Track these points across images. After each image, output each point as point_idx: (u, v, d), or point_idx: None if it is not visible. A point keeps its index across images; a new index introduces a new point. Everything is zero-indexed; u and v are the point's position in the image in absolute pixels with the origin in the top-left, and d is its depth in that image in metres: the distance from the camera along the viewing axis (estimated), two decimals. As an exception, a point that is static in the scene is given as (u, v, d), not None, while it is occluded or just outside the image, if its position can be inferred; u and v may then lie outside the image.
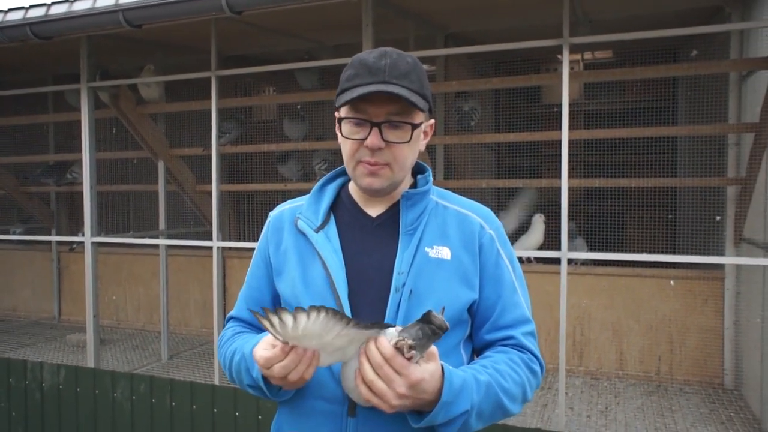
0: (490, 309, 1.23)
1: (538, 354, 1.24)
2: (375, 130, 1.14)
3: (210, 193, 5.26)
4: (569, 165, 5.40)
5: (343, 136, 1.19)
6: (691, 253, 4.03)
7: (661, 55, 4.58)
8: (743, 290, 3.94)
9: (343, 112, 1.19)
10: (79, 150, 5.27)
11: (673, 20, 4.23)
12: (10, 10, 3.63)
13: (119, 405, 4.30)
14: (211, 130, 3.90)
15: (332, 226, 1.24)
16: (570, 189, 3.85)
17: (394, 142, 1.16)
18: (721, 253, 3.91)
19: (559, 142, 5.17)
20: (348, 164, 1.22)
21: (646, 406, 3.80)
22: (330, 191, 1.30)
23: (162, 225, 5.00)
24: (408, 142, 1.17)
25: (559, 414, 3.25)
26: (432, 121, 1.27)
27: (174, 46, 4.66)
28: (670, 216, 4.20)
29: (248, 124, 5.37)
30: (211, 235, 5.39)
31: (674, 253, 4.58)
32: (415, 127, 1.17)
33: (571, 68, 6.32)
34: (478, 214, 1.26)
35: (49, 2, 3.49)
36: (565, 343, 3.12)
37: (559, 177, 3.01)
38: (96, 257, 4.36)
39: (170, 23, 3.36)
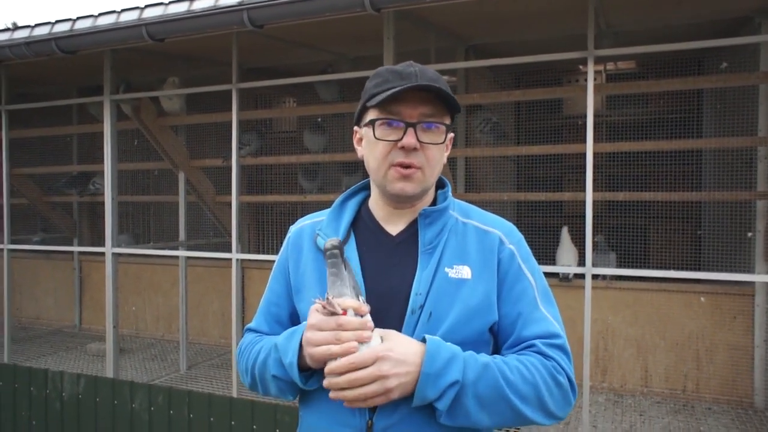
0: (511, 326, 1.18)
1: (567, 367, 1.15)
2: (410, 130, 1.13)
3: (229, 204, 5.29)
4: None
5: (375, 138, 1.15)
6: (718, 269, 3.92)
7: (686, 66, 4.49)
8: (774, 307, 3.83)
9: (372, 115, 1.17)
10: (102, 161, 5.35)
11: (699, 31, 4.15)
12: (36, 25, 3.69)
13: (137, 416, 4.30)
14: (229, 141, 3.91)
15: (352, 245, 1.21)
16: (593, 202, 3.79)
17: (429, 143, 1.14)
18: (751, 269, 3.81)
19: (581, 155, 5.11)
20: (378, 170, 1.17)
21: (672, 426, 3.69)
22: (350, 207, 1.27)
23: (182, 236, 5.02)
24: (442, 143, 1.17)
25: (583, 433, 3.18)
26: (452, 134, 1.24)
27: (196, 59, 4.69)
28: (699, 231, 4.10)
29: (268, 135, 5.38)
30: (231, 247, 5.41)
31: (699, 268, 4.47)
32: (448, 129, 1.18)
33: (594, 79, 6.28)
34: (499, 229, 1.22)
35: (74, 17, 3.54)
36: (589, 358, 3.04)
37: (583, 190, 2.94)
38: (116, 267, 4.38)
39: (192, 37, 3.37)
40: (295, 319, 1.28)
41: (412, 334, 1.12)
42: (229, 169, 5.42)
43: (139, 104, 4.35)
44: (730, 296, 3.99)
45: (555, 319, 1.20)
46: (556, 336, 1.17)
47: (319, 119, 4.57)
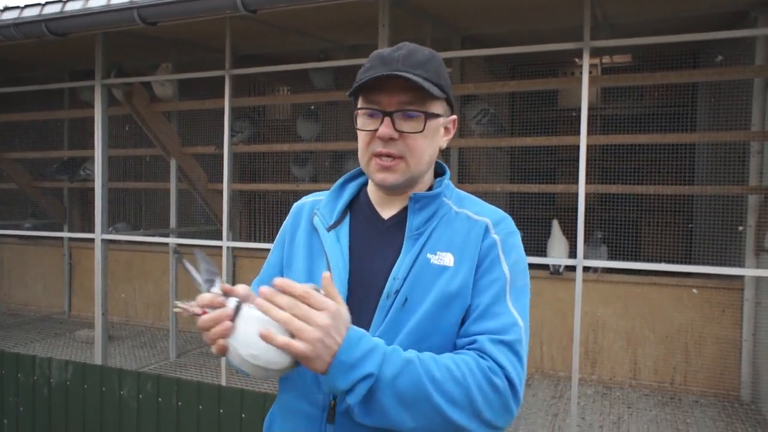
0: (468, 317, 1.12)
1: (510, 369, 1.04)
2: (387, 119, 1.11)
3: (221, 192, 5.26)
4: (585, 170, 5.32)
5: (357, 128, 1.16)
6: (709, 263, 3.94)
7: (681, 59, 4.48)
8: (764, 301, 3.85)
9: (358, 104, 1.16)
10: (92, 147, 5.30)
11: (695, 25, 4.14)
12: (26, 6, 3.63)
13: (126, 403, 4.28)
14: (222, 128, 3.88)
15: (345, 227, 1.21)
16: (589, 195, 3.79)
17: (407, 132, 1.11)
18: (741, 263, 3.82)
19: (575, 147, 5.11)
20: (362, 159, 1.17)
21: (660, 418, 3.72)
22: (349, 190, 1.27)
23: (173, 223, 4.98)
24: (422, 131, 1.12)
25: (571, 424, 3.19)
26: (454, 117, 1.22)
27: (189, 45, 4.64)
28: (690, 225, 4.11)
29: (261, 123, 5.34)
30: (222, 235, 5.38)
31: (690, 261, 4.49)
32: (429, 116, 1.12)
33: (590, 72, 6.27)
34: (489, 217, 1.18)
35: (65, -1, 3.49)
36: (578, 351, 3.05)
37: (576, 182, 2.94)
38: (106, 254, 4.34)
39: (185, 21, 3.33)
40: None
41: (384, 319, 1.10)
42: (222, 156, 5.40)
43: (131, 89, 4.30)
44: (720, 290, 4.01)
45: (520, 316, 1.10)
46: (506, 331, 1.07)
47: (312, 107, 4.53)
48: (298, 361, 0.97)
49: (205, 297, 1.00)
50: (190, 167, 4.83)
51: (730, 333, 3.99)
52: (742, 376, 3.98)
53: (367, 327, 1.10)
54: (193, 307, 1.01)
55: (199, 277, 1.06)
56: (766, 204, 3.51)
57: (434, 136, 1.16)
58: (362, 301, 1.13)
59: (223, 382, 4.06)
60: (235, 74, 3.87)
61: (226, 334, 0.97)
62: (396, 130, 1.11)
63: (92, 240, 4.49)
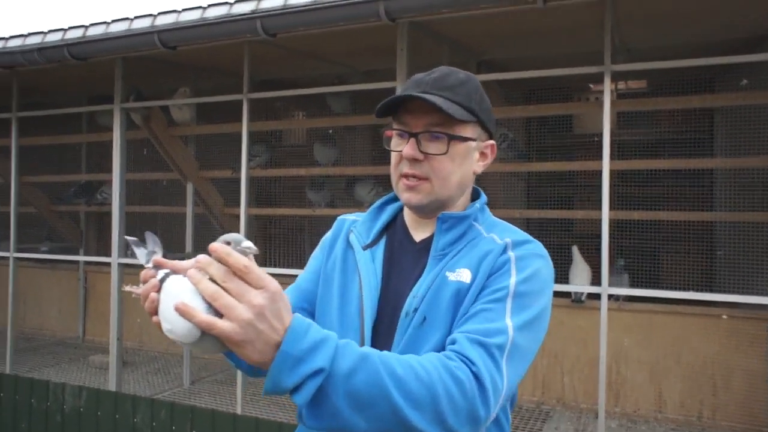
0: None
1: (479, 365, 0.94)
2: (412, 140, 1.12)
3: (238, 216, 5.24)
4: (597, 196, 5.25)
5: (387, 148, 1.19)
6: (732, 291, 3.82)
7: (697, 85, 4.43)
8: (793, 332, 3.72)
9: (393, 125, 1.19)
10: (109, 170, 5.32)
11: (711, 50, 4.09)
12: (50, 31, 3.68)
13: (139, 431, 4.21)
14: (239, 152, 3.87)
15: (380, 248, 1.21)
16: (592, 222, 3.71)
17: (431, 154, 1.12)
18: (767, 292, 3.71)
19: (592, 173, 5.05)
20: (392, 179, 1.19)
21: (688, 453, 3.58)
22: (388, 212, 1.27)
23: (189, 247, 4.96)
24: (446, 153, 1.12)
25: (597, 459, 3.07)
26: (491, 142, 1.21)
27: (206, 69, 4.68)
28: (719, 252, 4.00)
29: (277, 148, 5.35)
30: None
31: (712, 290, 4.37)
32: (454, 138, 1.13)
33: (595, 98, 6.23)
34: (512, 237, 1.14)
35: (87, 24, 3.53)
36: (604, 383, 2.94)
37: (594, 208, 2.87)
38: (122, 279, 4.32)
39: (204, 45, 3.35)
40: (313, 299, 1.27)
41: (402, 338, 1.08)
42: (238, 180, 5.40)
43: (150, 113, 4.33)
44: (746, 320, 3.89)
45: (514, 329, 1.01)
46: (489, 334, 0.98)
47: (330, 131, 4.53)
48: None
49: (142, 274, 0.94)
50: (207, 191, 4.83)
51: (759, 365, 3.85)
52: (773, 410, 3.83)
53: (390, 348, 1.08)
54: (137, 288, 0.95)
55: (142, 255, 1.01)
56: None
57: (464, 159, 1.16)
58: (389, 322, 1.13)
59: (239, 411, 3.98)
60: (252, 98, 3.88)
61: (154, 308, 0.88)
62: (421, 151, 1.12)
63: (107, 264, 4.48)
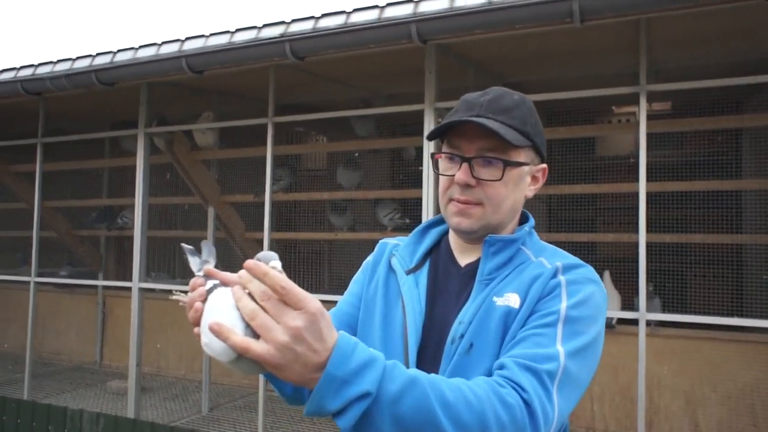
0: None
1: (530, 391, 0.90)
2: (465, 165, 1.09)
3: (258, 241, 5.21)
4: (625, 219, 5.16)
5: (436, 171, 1.16)
6: (762, 316, 3.69)
7: (723, 106, 4.36)
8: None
9: (442, 149, 1.15)
10: (131, 195, 5.32)
11: (739, 71, 4.03)
12: (78, 57, 3.71)
13: (158, 459, 4.13)
14: (261, 176, 3.85)
15: (424, 272, 1.18)
16: (629, 245, 3.61)
17: (485, 180, 1.09)
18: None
19: (615, 196, 4.97)
20: (441, 203, 1.16)
21: (729, 487, 3.43)
22: (432, 235, 1.24)
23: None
24: (500, 179, 1.09)
25: (636, 493, 2.94)
26: (543, 166, 1.18)
27: (229, 94, 4.69)
28: (765, 277, 3.86)
29: (297, 172, 5.33)
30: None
31: (742, 314, 4.24)
32: (509, 164, 1.09)
33: (627, 120, 6.19)
34: (562, 262, 1.10)
35: (115, 50, 3.55)
36: (644, 411, 2.83)
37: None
38: (142, 304, 4.28)
39: (230, 70, 3.35)
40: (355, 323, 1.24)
41: (448, 365, 1.04)
42: (259, 205, 5.38)
43: (173, 138, 4.33)
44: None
45: (566, 356, 0.96)
46: (540, 360, 0.94)
47: (356, 154, 4.50)
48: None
49: (191, 282, 0.91)
50: (228, 216, 4.80)
51: (800, 393, 3.71)
52: (816, 441, 3.67)
53: None
54: (185, 296, 0.92)
55: (195, 264, 0.98)
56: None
57: (517, 184, 1.13)
58: (434, 348, 1.08)
59: (260, 439, 3.89)
60: (276, 122, 3.86)
61: (197, 318, 0.85)
62: (473, 176, 1.09)
63: (126, 289, 4.44)
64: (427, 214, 3.23)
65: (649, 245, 4.35)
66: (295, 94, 4.53)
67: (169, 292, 5.06)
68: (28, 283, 5.07)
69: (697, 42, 3.34)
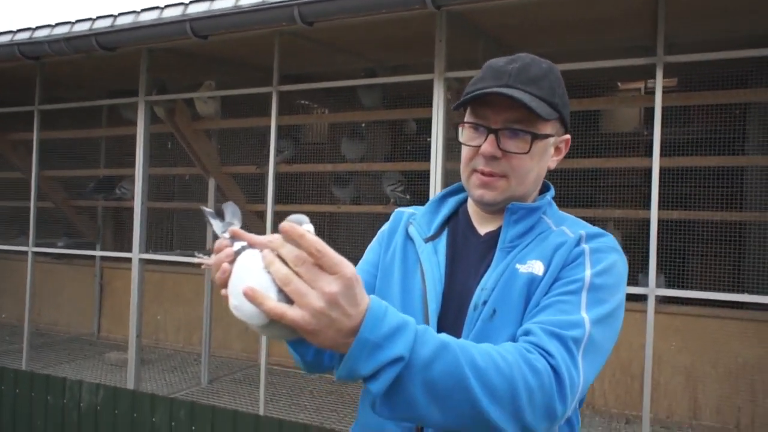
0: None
1: (557, 357, 0.89)
2: (491, 137, 1.07)
3: (259, 213, 5.15)
4: (627, 196, 5.13)
5: (461, 142, 1.13)
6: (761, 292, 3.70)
7: (729, 80, 4.32)
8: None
9: (466, 115, 1.12)
10: (129, 165, 5.24)
11: (751, 44, 3.98)
12: (77, 21, 3.60)
13: (158, 430, 4.12)
14: (262, 148, 3.80)
15: (443, 240, 1.17)
16: (632, 221, 3.59)
17: (512, 152, 1.07)
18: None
19: (619, 172, 4.93)
20: (463, 173, 1.15)
21: (729, 462, 3.46)
22: (449, 204, 1.24)
23: (209, 244, 4.88)
24: (527, 153, 1.07)
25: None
26: (567, 137, 1.16)
27: (231, 62, 4.59)
28: None
29: (299, 144, 5.26)
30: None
31: (743, 291, 4.25)
32: (536, 137, 1.08)
33: (632, 95, 6.12)
34: (585, 230, 1.10)
35: (116, 13, 3.45)
36: (649, 388, 2.84)
37: (647, 207, 2.78)
38: (142, 274, 4.24)
39: (235, 35, 3.26)
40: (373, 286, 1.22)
41: (471, 331, 1.04)
42: (260, 177, 5.31)
43: (174, 107, 4.24)
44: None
45: (591, 323, 0.96)
46: (566, 327, 0.93)
47: (363, 124, 4.43)
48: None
49: (216, 243, 0.89)
50: (229, 187, 4.74)
51: (800, 371, 3.73)
52: (815, 418, 3.71)
53: None
54: (209, 258, 0.91)
55: (218, 226, 0.96)
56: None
57: (542, 156, 1.12)
58: (455, 316, 1.09)
59: (261, 412, 3.89)
60: (279, 92, 3.78)
61: (225, 280, 0.84)
62: (500, 148, 1.07)
63: (124, 260, 4.40)
64: (435, 187, 3.18)
65: (647, 223, 4.36)
66: (299, 63, 4.44)
67: (169, 263, 5.03)
68: (25, 253, 5.01)
69: (709, 15, 3.28)
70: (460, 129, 1.14)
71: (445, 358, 0.81)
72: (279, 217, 5.01)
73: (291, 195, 5.48)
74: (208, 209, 1.01)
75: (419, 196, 4.36)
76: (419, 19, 3.13)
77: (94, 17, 3.55)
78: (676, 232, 4.29)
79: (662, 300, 4.10)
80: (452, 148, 3.54)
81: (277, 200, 5.32)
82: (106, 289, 6.36)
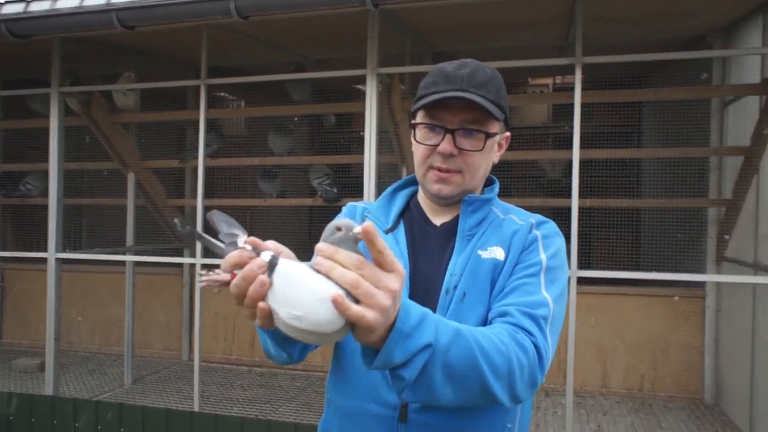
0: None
1: (537, 336, 1.02)
2: (449, 136, 1.15)
3: (180, 208, 5.02)
4: (537, 185, 5.47)
5: (416, 141, 1.19)
6: (658, 270, 4.11)
7: (627, 81, 4.74)
8: (724, 308, 4.07)
9: (418, 118, 1.20)
10: (34, 160, 4.91)
11: (651, 48, 4.37)
12: (-19, 4, 3.33)
13: (82, 436, 3.95)
14: (184, 141, 3.69)
15: (401, 231, 1.24)
16: (546, 209, 3.88)
17: (467, 150, 1.16)
18: (702, 272, 4.03)
19: (529, 164, 5.25)
20: (419, 170, 1.22)
21: (636, 424, 3.83)
22: (401, 198, 1.30)
23: (129, 241, 4.70)
24: (481, 150, 1.17)
25: (564, 434, 3.22)
26: (508, 134, 1.26)
27: (148, 54, 4.42)
28: (679, 234, 4.28)
29: (223, 138, 5.16)
30: (179, 252, 5.14)
31: (642, 269, 4.68)
32: (489, 136, 1.17)
33: (540, 91, 6.49)
34: (533, 219, 1.24)
35: (28, -1, 3.23)
36: (572, 363, 3.10)
37: (568, 196, 3.01)
38: (59, 275, 4.03)
39: (162, 27, 3.17)
40: None
41: (445, 315, 1.11)
42: (182, 171, 5.16)
43: (90, 99, 4.04)
44: (684, 299, 4.21)
45: (552, 301, 1.09)
46: (535, 307, 1.06)
47: (296, 119, 4.42)
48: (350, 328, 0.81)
49: (231, 256, 0.82)
50: (149, 182, 4.58)
51: (694, 340, 4.19)
52: (705, 380, 4.17)
53: None
54: (219, 274, 0.86)
55: (219, 242, 0.88)
56: (729, 216, 3.72)
57: (490, 152, 1.21)
58: (423, 300, 1.13)
59: (196, 408, 3.83)
60: (199, 85, 3.68)
61: (264, 293, 0.80)
62: (456, 147, 1.15)
63: (27, 260, 4.14)
64: (369, 179, 3.27)
65: (560, 209, 4.70)
66: (223, 56, 4.36)
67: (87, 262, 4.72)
68: None
69: (625, 19, 3.58)
70: (413, 128, 1.20)
71: (460, 344, 0.90)
72: (206, 211, 4.91)
73: (211, 189, 5.38)
74: (204, 233, 0.92)
75: (344, 189, 4.43)
76: (352, 16, 3.19)
77: (3, 1, 3.31)
78: (582, 218, 4.65)
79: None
80: (382, 142, 3.64)
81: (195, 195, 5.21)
82: (8, 292, 5.94)
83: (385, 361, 0.85)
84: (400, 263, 0.83)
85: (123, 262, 4.59)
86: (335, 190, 4.30)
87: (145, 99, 4.63)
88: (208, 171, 5.16)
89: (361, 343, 0.85)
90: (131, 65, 4.31)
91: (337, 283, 0.78)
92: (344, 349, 1.18)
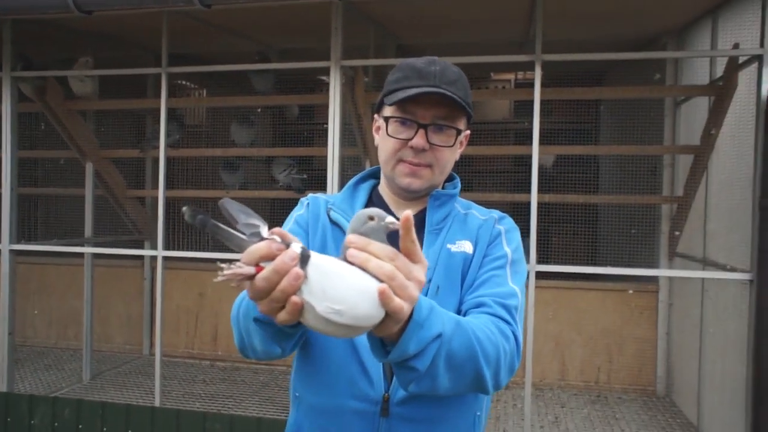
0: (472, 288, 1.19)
1: (514, 325, 1.08)
2: (421, 131, 1.17)
3: (140, 199, 4.93)
4: (497, 180, 5.55)
5: (388, 134, 1.20)
6: (615, 265, 4.23)
7: (586, 78, 4.85)
8: (676, 302, 4.21)
9: (388, 111, 1.20)
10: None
11: (609, 47, 4.48)
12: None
13: (36, 432, 3.86)
14: (144, 131, 3.62)
15: None
16: (504, 204, 3.96)
17: (438, 145, 1.18)
18: (655, 267, 4.16)
19: (488, 159, 5.31)
20: (387, 162, 1.23)
21: (592, 415, 3.94)
22: (363, 191, 1.31)
23: (88, 232, 4.59)
24: (452, 146, 1.20)
25: (525, 426, 3.29)
26: (468, 131, 1.29)
27: (106, 39, 4.31)
28: (633, 230, 4.40)
29: (185, 127, 5.07)
30: (140, 244, 5.04)
31: (599, 264, 4.80)
32: (459, 132, 1.20)
33: (503, 87, 6.56)
34: (495, 215, 1.29)
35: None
36: (531, 357, 3.16)
37: (528, 192, 3.07)
38: (14, 267, 3.91)
39: (123, 12, 3.09)
40: None
41: None
42: (142, 161, 5.06)
43: (45, 85, 3.92)
44: (638, 293, 4.34)
45: (517, 290, 1.15)
46: (507, 297, 1.12)
47: (259, 110, 4.37)
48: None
49: (258, 248, 0.77)
50: (108, 172, 4.47)
51: (647, 333, 4.32)
52: (658, 372, 4.31)
53: None
54: (242, 267, 0.78)
55: (239, 234, 0.80)
56: (680, 212, 3.84)
57: (456, 148, 1.25)
58: None
59: (157, 403, 3.78)
60: (160, 73, 3.61)
61: (298, 287, 0.77)
62: (428, 142, 1.17)
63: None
64: (333, 171, 3.27)
65: (518, 205, 4.78)
66: (186, 44, 4.28)
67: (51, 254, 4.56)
68: None
69: (584, 18, 3.65)
70: (384, 122, 1.20)
71: (460, 333, 0.94)
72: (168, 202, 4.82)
73: (174, 180, 5.29)
74: (220, 224, 0.82)
75: (307, 182, 4.41)
76: (316, 6, 3.17)
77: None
78: (540, 213, 4.74)
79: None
80: (345, 134, 3.63)
81: (156, 185, 5.11)
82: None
83: (401, 352, 0.86)
84: (422, 253, 0.85)
85: (81, 254, 4.48)
86: (305, 176, 4.26)
87: (104, 86, 4.51)
88: (169, 161, 5.08)
89: (378, 335, 0.86)
90: (89, 50, 4.19)
91: (373, 276, 0.78)
92: (313, 343, 1.16)
